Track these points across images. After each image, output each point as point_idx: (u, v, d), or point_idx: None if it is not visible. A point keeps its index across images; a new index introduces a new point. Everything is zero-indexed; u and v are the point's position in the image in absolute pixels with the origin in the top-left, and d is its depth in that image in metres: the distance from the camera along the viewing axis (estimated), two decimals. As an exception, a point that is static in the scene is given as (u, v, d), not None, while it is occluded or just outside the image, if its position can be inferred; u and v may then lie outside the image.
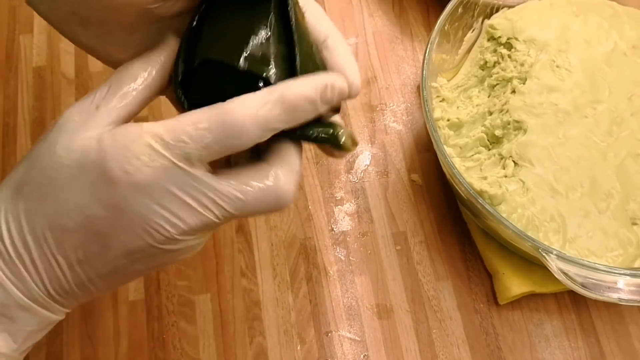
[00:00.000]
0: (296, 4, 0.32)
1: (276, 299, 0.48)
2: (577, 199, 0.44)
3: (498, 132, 0.47)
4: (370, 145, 0.54)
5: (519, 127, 0.46)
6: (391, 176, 0.53)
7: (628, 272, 0.40)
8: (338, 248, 0.50)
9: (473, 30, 0.53)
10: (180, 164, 0.28)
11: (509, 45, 0.51)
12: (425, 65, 0.47)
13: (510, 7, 0.53)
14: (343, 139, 0.32)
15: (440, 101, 0.51)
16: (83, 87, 0.56)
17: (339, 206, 0.51)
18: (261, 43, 0.30)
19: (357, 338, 0.47)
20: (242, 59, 0.30)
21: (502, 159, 0.46)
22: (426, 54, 0.47)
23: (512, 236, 0.42)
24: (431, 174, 0.53)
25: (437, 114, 0.49)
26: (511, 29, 0.51)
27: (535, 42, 0.50)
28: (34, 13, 0.59)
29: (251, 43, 0.30)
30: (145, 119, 0.54)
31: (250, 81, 0.30)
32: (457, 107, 0.50)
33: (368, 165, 0.53)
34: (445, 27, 0.49)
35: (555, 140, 0.46)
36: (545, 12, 0.52)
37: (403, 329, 0.47)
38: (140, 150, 0.28)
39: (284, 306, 0.48)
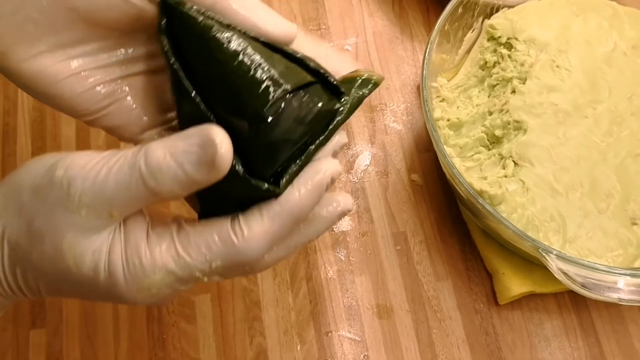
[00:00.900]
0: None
1: (276, 299, 0.48)
2: (577, 199, 0.44)
3: (498, 132, 0.47)
4: (370, 145, 0.54)
5: (519, 127, 0.46)
6: (391, 176, 0.53)
7: (628, 272, 0.40)
8: (338, 248, 0.50)
9: (473, 30, 0.53)
10: (189, 286, 0.30)
11: (509, 45, 0.51)
12: (425, 65, 0.47)
13: (510, 7, 0.53)
14: (374, 79, 0.31)
15: (440, 101, 0.51)
16: (83, 87, 0.56)
17: (339, 206, 0.51)
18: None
19: (357, 338, 0.47)
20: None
21: (502, 159, 0.46)
22: (426, 54, 0.47)
23: (512, 236, 0.42)
24: (431, 174, 0.53)
25: (437, 114, 0.49)
26: (511, 29, 0.51)
27: (535, 42, 0.50)
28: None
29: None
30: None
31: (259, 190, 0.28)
32: (457, 107, 0.50)
33: (368, 165, 0.53)
34: (445, 27, 0.49)
35: (555, 140, 0.46)
36: (545, 12, 0.52)
37: (403, 329, 0.47)
38: (152, 285, 0.28)
39: (284, 306, 0.48)
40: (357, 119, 0.55)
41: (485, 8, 0.52)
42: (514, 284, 0.46)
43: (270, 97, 0.26)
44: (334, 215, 0.31)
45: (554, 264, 0.40)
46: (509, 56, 0.50)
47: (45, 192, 0.27)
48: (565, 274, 0.40)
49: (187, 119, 0.28)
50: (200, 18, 0.27)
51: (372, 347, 0.47)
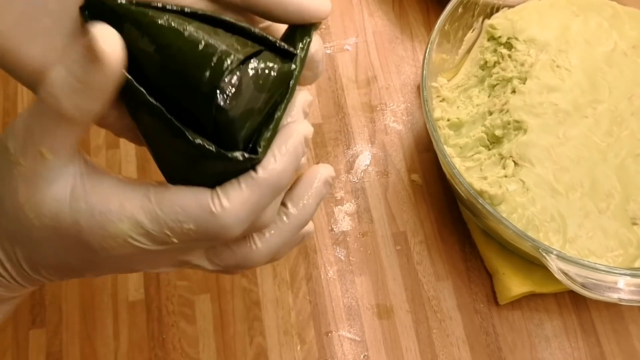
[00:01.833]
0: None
1: (276, 299, 0.48)
2: (577, 199, 0.44)
3: (498, 132, 0.47)
4: (370, 145, 0.54)
5: (519, 127, 0.46)
6: (391, 176, 0.53)
7: (628, 272, 0.40)
8: (338, 248, 0.50)
9: (473, 30, 0.53)
10: (159, 248, 0.28)
11: (509, 45, 0.51)
12: (425, 65, 0.47)
13: (510, 7, 0.53)
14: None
15: (440, 101, 0.51)
16: (83, 87, 0.56)
17: (339, 206, 0.51)
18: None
19: (357, 338, 0.47)
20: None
21: (502, 159, 0.46)
22: (426, 54, 0.47)
23: (512, 236, 0.42)
24: (431, 174, 0.53)
25: (437, 114, 0.49)
26: (511, 29, 0.51)
27: (535, 42, 0.50)
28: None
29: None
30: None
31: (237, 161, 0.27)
32: (457, 107, 0.50)
33: (368, 165, 0.53)
34: (445, 27, 0.49)
35: (555, 140, 0.46)
36: (546, 12, 0.52)
37: (403, 329, 0.47)
38: (117, 234, 0.27)
39: (284, 306, 0.48)
40: (357, 119, 0.55)
41: (486, 8, 0.52)
42: (514, 284, 0.46)
43: (225, 67, 0.26)
44: (320, 186, 0.31)
45: (554, 264, 0.40)
46: (509, 56, 0.50)
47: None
48: (565, 274, 0.40)
49: (135, 113, 0.28)
50: (132, 8, 0.26)
51: (372, 347, 0.47)
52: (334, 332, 0.47)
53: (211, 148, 0.26)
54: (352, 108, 0.55)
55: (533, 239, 0.41)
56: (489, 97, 0.50)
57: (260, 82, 0.27)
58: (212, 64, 0.26)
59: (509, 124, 0.47)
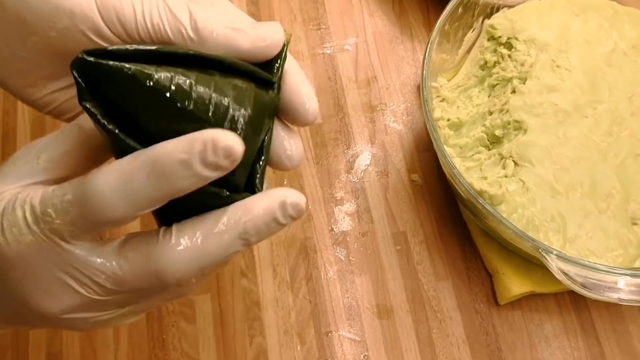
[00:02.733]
0: None
1: (276, 299, 0.48)
2: (577, 199, 0.44)
3: (498, 132, 0.47)
4: (370, 145, 0.54)
5: (519, 127, 0.46)
6: (391, 176, 0.53)
7: (628, 272, 0.40)
8: (338, 248, 0.50)
9: (473, 30, 0.53)
10: (52, 238, 0.25)
11: (509, 45, 0.51)
12: (425, 65, 0.47)
13: (510, 7, 0.53)
14: (284, 42, 0.29)
15: (440, 101, 0.51)
16: (83, 87, 0.56)
17: (339, 206, 0.51)
18: None
19: (357, 338, 0.47)
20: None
21: (502, 159, 0.46)
22: (426, 54, 0.47)
23: (512, 236, 0.42)
24: (431, 174, 0.53)
25: (437, 114, 0.49)
26: (511, 29, 0.51)
27: (535, 42, 0.50)
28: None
29: None
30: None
31: None
32: (457, 107, 0.50)
33: (368, 165, 0.53)
34: (445, 27, 0.49)
35: (555, 140, 0.46)
36: (546, 12, 0.52)
37: (403, 329, 0.47)
38: (14, 221, 0.25)
39: (284, 306, 0.48)
40: (357, 119, 0.55)
41: (485, 8, 0.52)
42: (514, 284, 0.46)
43: (239, 128, 0.26)
44: (274, 210, 0.28)
45: (554, 264, 0.40)
46: (509, 56, 0.50)
47: None
48: (565, 274, 0.40)
49: None
50: (129, 67, 0.25)
51: (372, 347, 0.47)
52: (334, 332, 0.47)
53: (223, 194, 0.26)
54: (352, 108, 0.55)
55: (533, 239, 0.41)
56: (489, 97, 0.50)
57: (259, 124, 0.27)
58: (224, 125, 0.26)
59: (509, 124, 0.47)
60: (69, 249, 0.26)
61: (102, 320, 0.28)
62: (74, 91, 0.27)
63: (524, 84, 0.48)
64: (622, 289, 0.40)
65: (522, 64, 0.49)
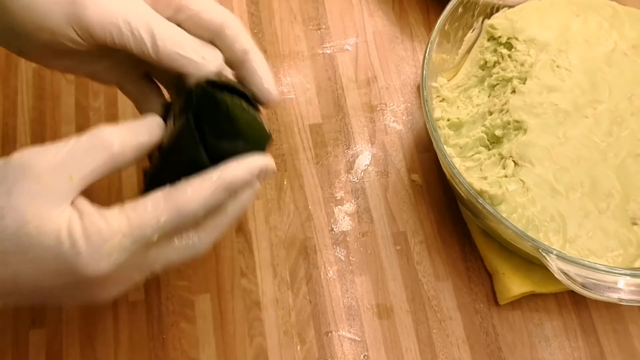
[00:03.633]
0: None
1: (276, 299, 0.48)
2: (577, 199, 0.44)
3: (498, 132, 0.47)
4: (370, 145, 0.54)
5: (519, 127, 0.46)
6: (391, 176, 0.53)
7: (628, 272, 0.40)
8: (338, 248, 0.50)
9: (473, 30, 0.53)
10: (145, 250, 0.32)
11: (509, 45, 0.51)
12: (425, 65, 0.47)
13: (510, 7, 0.53)
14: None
15: (440, 101, 0.51)
16: (83, 86, 0.56)
17: (339, 206, 0.51)
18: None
19: (357, 338, 0.47)
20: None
21: (502, 159, 0.46)
22: (426, 54, 0.47)
23: (512, 236, 0.42)
24: (431, 174, 0.53)
25: (437, 114, 0.49)
26: (511, 29, 0.51)
27: (535, 42, 0.50)
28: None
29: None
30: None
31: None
32: (457, 107, 0.50)
33: (368, 165, 0.53)
34: (445, 27, 0.49)
35: (555, 140, 0.46)
36: (546, 12, 0.52)
37: (403, 329, 0.47)
38: (112, 250, 0.30)
39: (284, 306, 0.48)
40: (357, 119, 0.55)
41: (485, 8, 0.52)
42: (514, 284, 0.46)
43: (268, 139, 0.36)
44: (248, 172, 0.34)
45: (554, 264, 0.40)
46: (509, 56, 0.50)
47: (4, 174, 0.30)
48: (565, 274, 0.40)
49: (177, 157, 0.34)
50: (228, 99, 0.34)
51: (372, 347, 0.47)
52: (334, 332, 0.47)
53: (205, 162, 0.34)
54: (352, 108, 0.55)
55: (533, 239, 0.41)
56: (489, 97, 0.50)
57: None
58: (265, 136, 0.36)
59: (509, 124, 0.47)
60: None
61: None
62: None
63: (524, 84, 0.48)
64: (622, 289, 0.40)
65: (522, 64, 0.49)
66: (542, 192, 0.44)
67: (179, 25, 0.35)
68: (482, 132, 0.48)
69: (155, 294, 0.48)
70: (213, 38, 0.36)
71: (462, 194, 0.43)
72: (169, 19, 0.35)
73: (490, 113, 0.49)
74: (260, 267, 0.49)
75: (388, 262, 0.49)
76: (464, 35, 0.52)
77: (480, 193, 0.43)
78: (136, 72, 0.40)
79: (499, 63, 0.50)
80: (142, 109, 0.41)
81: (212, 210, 0.33)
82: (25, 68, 0.57)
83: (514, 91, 0.48)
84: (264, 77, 0.37)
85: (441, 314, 0.48)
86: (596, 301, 0.48)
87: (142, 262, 0.33)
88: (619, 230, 0.44)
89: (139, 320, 0.48)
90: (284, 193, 0.52)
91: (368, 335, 0.47)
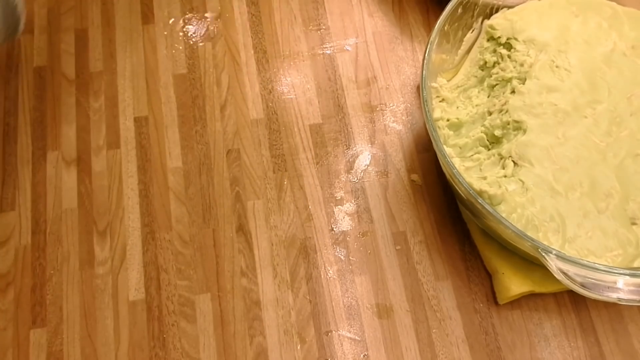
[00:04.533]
0: None
1: (276, 299, 0.48)
2: (577, 199, 0.44)
3: (498, 132, 0.47)
4: (370, 145, 0.54)
5: (518, 127, 0.47)
6: (391, 176, 0.53)
7: (627, 272, 0.40)
8: (338, 248, 0.50)
9: (473, 30, 0.53)
10: None
11: (508, 46, 0.51)
12: (425, 65, 0.47)
13: (509, 7, 0.53)
14: None
15: (440, 101, 0.51)
16: (83, 87, 0.56)
17: (339, 206, 0.52)
18: None
19: (357, 338, 0.47)
20: None
21: (501, 159, 0.46)
22: (426, 54, 0.47)
23: (512, 236, 0.42)
24: (431, 174, 0.53)
25: (436, 114, 0.49)
26: (511, 29, 0.51)
27: (534, 42, 0.50)
28: (34, 13, 0.59)
29: None
30: (145, 119, 0.54)
31: None
32: (457, 107, 0.51)
33: (368, 165, 0.53)
34: (445, 28, 0.49)
35: (554, 140, 0.46)
36: (545, 12, 0.52)
37: (403, 328, 0.47)
38: None
39: (284, 306, 0.48)
40: (357, 119, 0.55)
41: (485, 8, 0.52)
42: (514, 284, 0.47)
43: None
44: None
45: (553, 264, 0.40)
46: (509, 56, 0.50)
47: None
48: (564, 273, 0.40)
49: None
50: None
51: (372, 346, 0.47)
52: (333, 332, 0.47)
53: None
54: (352, 108, 0.55)
55: (532, 238, 0.41)
56: (488, 97, 0.50)
57: None
58: None
59: (509, 124, 0.47)
60: None
61: None
62: None
63: (523, 84, 0.48)
64: (621, 288, 0.40)
65: (522, 64, 0.49)
66: (541, 192, 0.44)
67: None
68: (481, 132, 0.48)
69: (155, 294, 0.48)
70: None
71: (462, 194, 0.43)
72: None
73: (490, 113, 0.49)
74: (260, 267, 0.49)
75: (388, 261, 0.49)
76: (464, 35, 0.53)
77: (480, 193, 0.43)
78: None
79: (499, 63, 0.51)
80: None
81: None
82: (26, 68, 0.57)
83: (513, 91, 0.48)
84: None
85: (441, 314, 0.48)
86: (595, 301, 0.48)
87: None
88: (618, 230, 0.44)
89: (140, 319, 0.48)
90: (284, 193, 0.52)
91: (368, 334, 0.47)
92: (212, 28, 0.59)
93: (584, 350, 0.47)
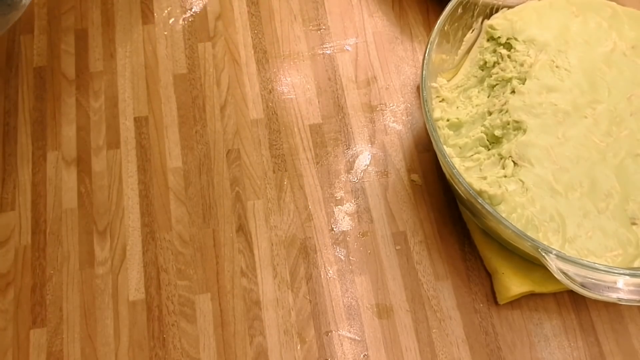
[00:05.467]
0: None
1: (276, 299, 0.48)
2: (577, 199, 0.44)
3: (497, 132, 0.47)
4: (370, 145, 0.54)
5: (518, 127, 0.47)
6: (391, 176, 0.53)
7: (627, 272, 0.40)
8: (338, 248, 0.50)
9: (473, 30, 0.53)
10: None
11: (508, 46, 0.51)
12: (425, 65, 0.47)
13: (509, 7, 0.53)
14: None
15: (440, 101, 0.51)
16: (83, 87, 0.56)
17: (339, 206, 0.52)
18: None
19: (357, 338, 0.47)
20: None
21: (501, 159, 0.46)
22: (426, 54, 0.47)
23: (512, 236, 0.42)
24: (431, 174, 0.53)
25: (436, 114, 0.49)
26: (511, 29, 0.51)
27: (534, 42, 0.50)
28: (34, 13, 0.59)
29: None
30: (145, 119, 0.54)
31: None
32: (457, 107, 0.51)
33: (368, 165, 0.53)
34: (445, 28, 0.49)
35: (554, 140, 0.46)
36: (545, 12, 0.52)
37: (403, 328, 0.47)
38: None
39: (284, 306, 0.48)
40: (357, 119, 0.55)
41: (485, 8, 0.52)
42: (514, 284, 0.47)
43: None
44: None
45: (553, 264, 0.40)
46: (509, 56, 0.50)
47: None
48: (564, 273, 0.40)
49: None
50: None
51: (372, 346, 0.47)
52: (333, 332, 0.47)
53: None
54: (352, 108, 0.55)
55: (532, 238, 0.41)
56: (488, 97, 0.50)
57: None
58: None
59: (509, 124, 0.47)
60: None
61: None
62: None
63: (523, 84, 0.48)
64: (621, 288, 0.40)
65: (522, 64, 0.49)
66: (541, 192, 0.44)
67: None
68: (481, 132, 0.48)
69: (155, 294, 0.48)
70: None
71: (462, 194, 0.44)
72: None
73: (490, 113, 0.49)
74: (260, 267, 0.49)
75: (388, 261, 0.49)
76: (464, 35, 0.53)
77: (480, 193, 0.43)
78: None
79: (499, 63, 0.51)
80: None
81: None
82: (26, 68, 0.57)
83: (513, 91, 0.48)
84: None
85: (441, 314, 0.48)
86: (595, 301, 0.48)
87: None
88: (618, 230, 0.44)
89: (140, 319, 0.48)
90: (284, 193, 0.52)
91: (368, 334, 0.47)
92: (212, 28, 0.59)
93: (584, 350, 0.47)
